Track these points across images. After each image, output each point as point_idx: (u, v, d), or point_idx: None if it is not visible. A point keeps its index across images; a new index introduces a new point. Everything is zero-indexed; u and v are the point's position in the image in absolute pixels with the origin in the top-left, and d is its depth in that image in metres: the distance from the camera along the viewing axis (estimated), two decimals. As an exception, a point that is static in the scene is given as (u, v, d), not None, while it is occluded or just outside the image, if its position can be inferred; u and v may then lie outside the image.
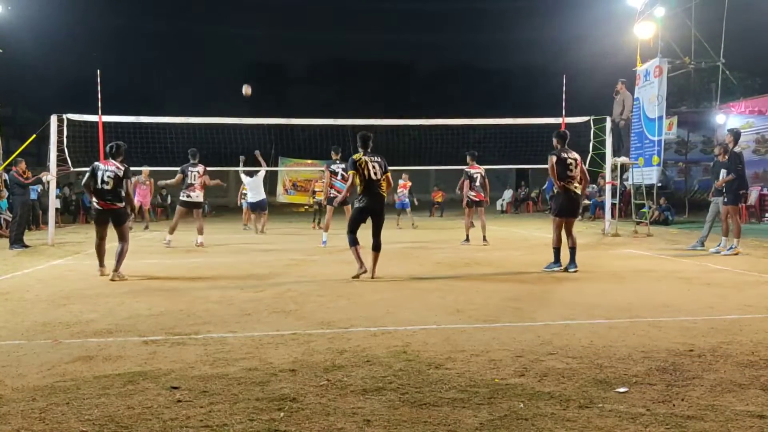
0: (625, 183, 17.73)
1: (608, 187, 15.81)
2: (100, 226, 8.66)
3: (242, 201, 17.53)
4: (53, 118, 13.40)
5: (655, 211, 17.92)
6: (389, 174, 8.33)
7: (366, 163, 8.07)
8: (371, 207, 8.14)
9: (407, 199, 18.70)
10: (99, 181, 8.31)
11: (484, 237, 12.88)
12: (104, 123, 13.67)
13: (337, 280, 8.13)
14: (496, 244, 12.74)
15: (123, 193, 8.40)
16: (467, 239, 12.96)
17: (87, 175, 8.45)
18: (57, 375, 4.09)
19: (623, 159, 16.17)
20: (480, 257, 10.62)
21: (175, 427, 3.20)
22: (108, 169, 8.38)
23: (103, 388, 3.81)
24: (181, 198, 12.96)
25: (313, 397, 3.61)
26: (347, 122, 16.00)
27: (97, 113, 13.64)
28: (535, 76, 35.85)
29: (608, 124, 15.33)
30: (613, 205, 15.69)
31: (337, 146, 12.51)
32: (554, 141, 9.17)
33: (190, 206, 12.96)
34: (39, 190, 17.89)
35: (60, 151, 13.51)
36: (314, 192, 18.41)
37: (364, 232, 8.19)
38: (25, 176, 12.98)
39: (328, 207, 12.61)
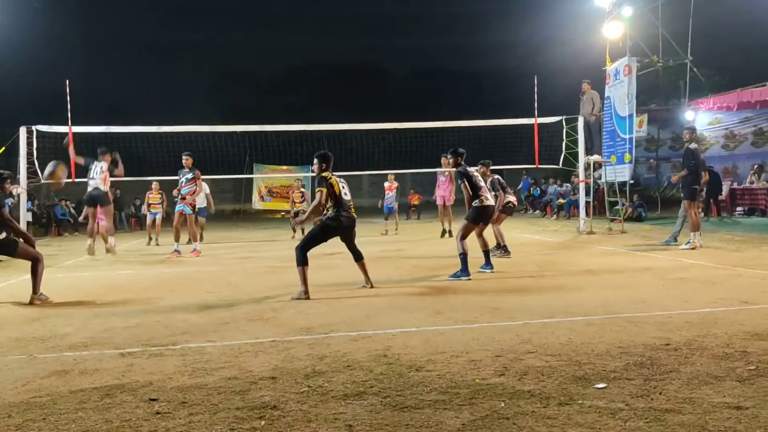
0: (598, 181, 17.92)
1: (582, 186, 15.98)
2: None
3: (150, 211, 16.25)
4: (22, 130, 13.19)
5: (629, 208, 18.15)
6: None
7: (337, 182, 7.63)
8: (344, 226, 7.60)
9: (395, 202, 17.79)
10: None
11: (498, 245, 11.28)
12: (75, 134, 13.47)
13: (317, 285, 8.09)
14: (471, 245, 12.78)
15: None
16: (506, 249, 11.04)
17: None
18: (32, 390, 4.01)
19: (596, 157, 16.34)
20: (457, 259, 10.64)
21: (155, 439, 3.16)
22: None
23: (80, 402, 3.75)
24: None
25: (294, 404, 3.59)
26: (321, 128, 15.99)
27: (66, 124, 13.43)
28: (508, 78, 36.09)
29: (580, 123, 15.50)
30: (587, 203, 15.85)
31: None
32: (455, 159, 9.12)
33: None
34: (10, 204, 17.57)
35: (30, 163, 13.29)
36: (294, 203, 17.76)
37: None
38: None
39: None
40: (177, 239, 12.73)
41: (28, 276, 7.74)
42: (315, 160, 7.75)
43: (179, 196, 12.71)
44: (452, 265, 8.76)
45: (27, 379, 4.26)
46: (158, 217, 15.68)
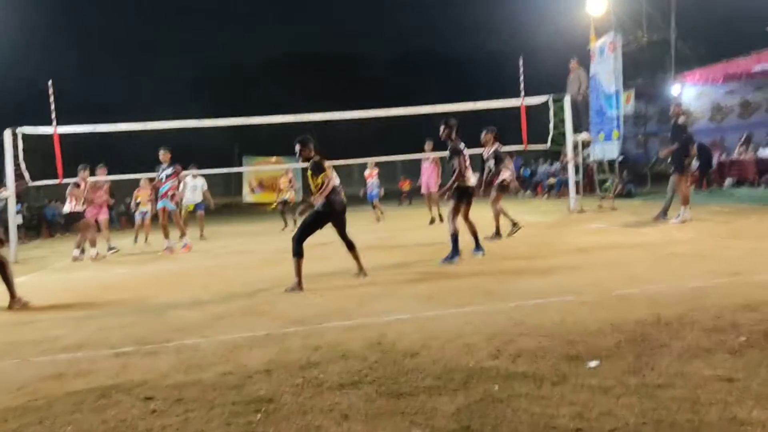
0: (587, 159, 17.95)
1: (571, 165, 16.00)
2: None
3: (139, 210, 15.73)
4: (7, 133, 13.08)
5: (618, 184, 18.20)
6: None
7: (331, 168, 7.57)
8: (337, 212, 7.52)
9: (377, 189, 17.82)
10: None
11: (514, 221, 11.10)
12: (61, 134, 13.38)
13: (310, 276, 8.09)
14: (463, 227, 12.79)
15: None
16: (515, 225, 11.01)
17: None
18: (28, 394, 4.01)
19: (584, 135, 16.36)
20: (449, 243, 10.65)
21: (152, 438, 3.17)
22: None
23: (76, 404, 3.76)
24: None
25: (290, 397, 3.60)
26: (308, 117, 15.91)
27: (51, 125, 13.34)
28: (493, 60, 36.01)
29: (567, 102, 15.49)
30: (577, 182, 15.88)
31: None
32: (448, 131, 8.64)
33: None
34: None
35: (16, 165, 13.20)
36: (280, 190, 17.69)
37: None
38: None
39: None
40: (166, 236, 12.68)
41: (21, 278, 7.72)
42: (298, 146, 7.59)
43: (160, 193, 12.66)
44: (445, 250, 8.77)
45: (22, 383, 4.25)
46: (147, 216, 15.54)
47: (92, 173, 13.48)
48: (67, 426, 3.41)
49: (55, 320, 6.44)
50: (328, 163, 7.61)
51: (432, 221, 15.21)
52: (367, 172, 17.53)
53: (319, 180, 7.41)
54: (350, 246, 7.79)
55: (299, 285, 7.16)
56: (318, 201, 7.49)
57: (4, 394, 4.06)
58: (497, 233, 10.80)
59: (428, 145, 15.01)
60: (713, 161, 18.88)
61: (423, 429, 3.02)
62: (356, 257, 7.81)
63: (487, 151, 11.07)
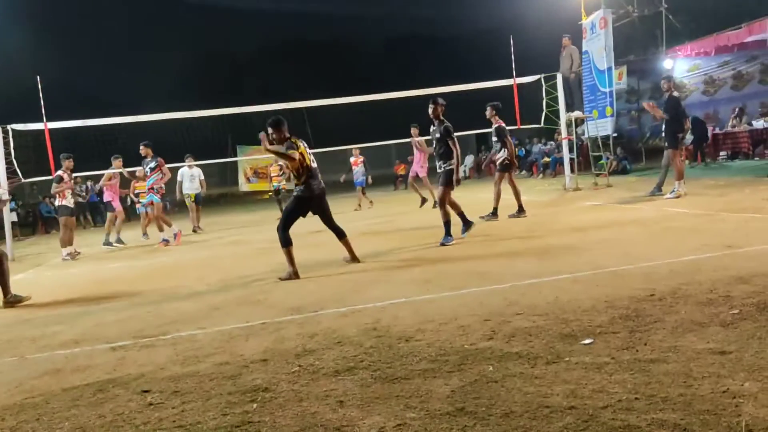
0: (581, 137, 17.92)
1: (565, 143, 15.99)
2: None
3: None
4: (-3, 130, 13.03)
5: (614, 161, 18.20)
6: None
7: (305, 148, 7.27)
8: (315, 196, 7.31)
9: (362, 177, 17.28)
10: None
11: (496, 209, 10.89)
12: (52, 130, 13.33)
13: (304, 264, 8.10)
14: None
15: None
16: (495, 213, 10.80)
17: None
18: (25, 392, 4.02)
19: (577, 113, 16.34)
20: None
21: (148, 430, 3.18)
22: None
23: (73, 399, 3.77)
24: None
25: (286, 385, 3.62)
26: (301, 105, 15.86)
27: (42, 121, 13.28)
28: (484, 40, 35.82)
29: (559, 81, 15.45)
30: (572, 159, 15.87)
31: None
32: (438, 109, 8.58)
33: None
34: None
35: (9, 163, 13.15)
36: (271, 178, 17.64)
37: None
38: None
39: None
40: (161, 229, 12.68)
41: (18, 276, 7.72)
42: (270, 129, 7.26)
43: (146, 188, 12.68)
44: (440, 234, 8.77)
45: (19, 381, 4.26)
46: (149, 209, 15.30)
47: (107, 166, 13.68)
48: (65, 422, 3.42)
49: (52, 316, 6.44)
50: (303, 146, 7.31)
51: (424, 201, 15.06)
52: (352, 159, 17.26)
53: (297, 163, 7.16)
54: (340, 235, 7.68)
55: (295, 274, 7.12)
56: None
57: (2, 392, 4.07)
58: (494, 212, 10.79)
59: (414, 130, 14.90)
60: (708, 134, 18.86)
61: (418, 412, 3.03)
62: (348, 246, 7.71)
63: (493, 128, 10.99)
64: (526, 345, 3.85)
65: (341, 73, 40.72)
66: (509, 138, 11.01)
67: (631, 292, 4.83)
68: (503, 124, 10.93)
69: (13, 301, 7.31)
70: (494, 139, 11.07)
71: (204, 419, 3.23)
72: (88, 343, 5.17)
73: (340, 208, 16.51)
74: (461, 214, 8.90)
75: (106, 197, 14.30)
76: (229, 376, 3.88)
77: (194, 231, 14.98)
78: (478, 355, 3.76)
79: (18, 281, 9.63)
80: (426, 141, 14.48)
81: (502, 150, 10.86)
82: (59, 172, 12.12)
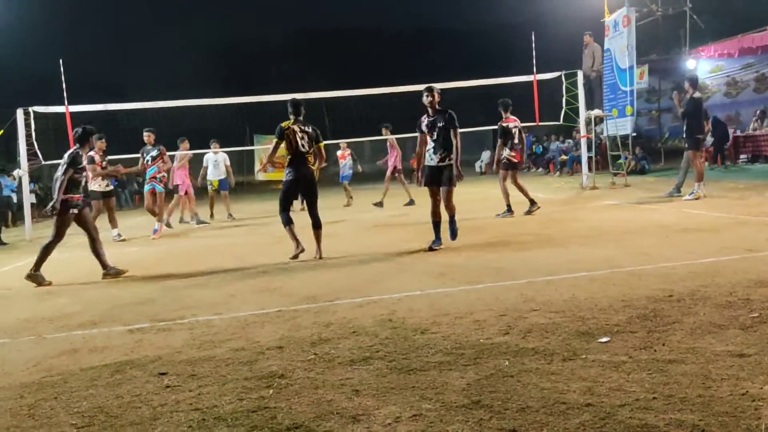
0: (600, 136, 17.79)
1: (584, 141, 15.88)
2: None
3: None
4: (19, 112, 13.15)
5: (632, 161, 18.06)
6: (322, 145, 7.86)
7: (295, 132, 7.59)
8: (299, 180, 7.65)
9: (349, 171, 16.38)
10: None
11: (509, 206, 10.78)
12: (72, 113, 13.43)
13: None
14: (475, 205, 12.78)
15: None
16: (510, 210, 10.73)
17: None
18: (43, 370, 4.07)
19: (597, 111, 16.22)
20: (461, 220, 10.62)
21: (165, 412, 3.21)
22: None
23: (91, 380, 3.81)
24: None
25: (302, 372, 3.63)
26: (320, 95, 15.88)
27: (63, 104, 13.39)
28: (505, 35, 35.59)
29: (580, 78, 15.34)
30: (590, 158, 15.77)
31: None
32: (436, 98, 7.83)
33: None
34: (14, 187, 17.65)
35: (29, 145, 13.28)
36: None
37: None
38: None
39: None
40: (160, 219, 12.27)
41: (36, 257, 7.76)
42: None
43: (147, 176, 12.16)
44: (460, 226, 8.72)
45: (38, 360, 4.32)
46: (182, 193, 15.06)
47: (126, 150, 13.72)
48: (83, 401, 3.46)
49: (71, 297, 6.52)
50: (298, 129, 7.66)
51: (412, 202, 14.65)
52: (339, 153, 16.53)
53: (284, 150, 7.73)
54: (316, 225, 7.83)
55: (298, 247, 7.67)
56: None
57: (21, 370, 4.13)
58: (508, 209, 10.72)
59: (386, 130, 14.79)
60: (728, 136, 18.65)
61: (433, 403, 3.03)
62: (318, 238, 7.83)
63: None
64: (542, 341, 3.84)
65: (361, 63, 40.60)
66: (519, 137, 10.90)
67: (649, 292, 4.79)
68: (509, 123, 10.74)
69: (113, 274, 7.52)
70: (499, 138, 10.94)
71: (220, 403, 3.26)
72: (105, 324, 5.22)
73: (367, 200, 16.55)
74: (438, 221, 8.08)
75: (177, 180, 13.91)
76: (245, 361, 3.91)
77: (210, 219, 14.83)
78: (494, 349, 3.76)
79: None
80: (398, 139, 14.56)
81: (505, 149, 10.80)
82: (91, 153, 11.27)
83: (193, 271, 7.60)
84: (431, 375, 3.42)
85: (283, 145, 7.68)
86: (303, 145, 7.61)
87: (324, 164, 8.10)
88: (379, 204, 14.71)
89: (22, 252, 11.18)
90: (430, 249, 7.63)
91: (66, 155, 7.70)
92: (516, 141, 10.77)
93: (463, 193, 12.98)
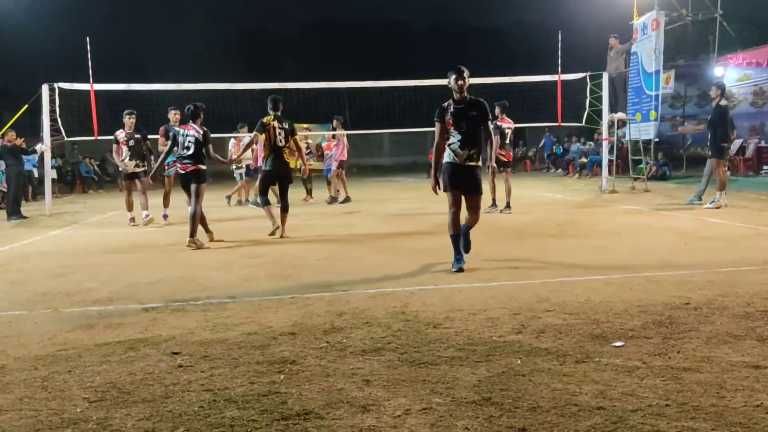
0: (622, 139, 17.62)
1: (605, 144, 15.75)
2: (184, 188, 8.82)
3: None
4: (44, 88, 13.26)
5: (653, 166, 17.88)
6: (297, 137, 8.82)
7: (274, 128, 8.43)
8: (275, 171, 8.63)
9: (334, 164, 14.78)
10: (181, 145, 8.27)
11: (509, 203, 11.23)
12: (96, 91, 13.54)
13: (335, 243, 8.16)
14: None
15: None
16: (495, 204, 11.23)
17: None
18: (58, 344, 4.12)
19: (620, 115, 16.06)
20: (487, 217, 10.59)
21: (177, 391, 3.23)
22: (189, 133, 8.25)
23: (105, 355, 3.85)
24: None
25: (313, 359, 3.65)
26: (341, 85, 15.86)
27: (88, 81, 13.49)
28: (531, 33, 35.34)
29: (605, 80, 15.20)
30: (610, 161, 15.63)
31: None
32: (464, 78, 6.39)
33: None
34: (36, 162, 17.84)
35: (53, 120, 13.39)
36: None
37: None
38: (11, 144, 12.96)
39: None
40: (166, 205, 11.54)
41: (55, 232, 7.89)
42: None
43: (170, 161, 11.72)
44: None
45: (53, 333, 4.37)
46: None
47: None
48: (96, 376, 3.49)
49: (87, 274, 6.57)
50: (277, 125, 8.49)
51: (335, 200, 14.42)
52: (324, 144, 15.75)
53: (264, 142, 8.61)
54: (284, 209, 8.77)
55: (275, 224, 8.67)
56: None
57: (36, 342, 4.18)
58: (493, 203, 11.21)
59: (337, 123, 14.36)
60: (750, 146, 18.39)
61: (444, 398, 3.03)
62: (282, 220, 8.71)
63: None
64: (555, 342, 3.82)
65: (383, 55, 40.49)
66: (510, 138, 11.45)
67: (666, 298, 4.75)
68: (504, 124, 11.29)
69: (199, 245, 8.05)
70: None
71: (231, 386, 3.28)
72: (121, 302, 5.27)
73: (384, 192, 16.58)
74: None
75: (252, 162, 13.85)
76: (257, 346, 3.93)
77: (235, 203, 14.66)
78: (506, 347, 3.75)
79: (55, 237, 9.86)
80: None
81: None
82: (119, 132, 11.02)
83: (208, 254, 7.65)
84: (442, 369, 3.42)
85: (263, 137, 8.52)
86: (280, 140, 8.48)
87: (305, 155, 9.17)
88: (334, 200, 14.40)
89: (41, 226, 11.30)
90: (458, 269, 6.11)
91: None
92: (507, 141, 11.37)
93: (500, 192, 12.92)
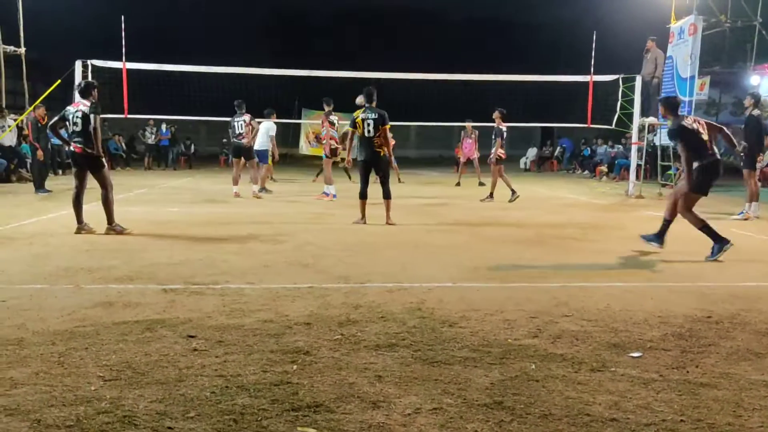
0: (651, 144, 17.37)
1: (634, 148, 15.55)
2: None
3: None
4: (78, 64, 13.39)
5: (682, 173, 17.60)
6: (387, 127, 8.90)
7: (362, 121, 8.78)
8: (366, 161, 8.90)
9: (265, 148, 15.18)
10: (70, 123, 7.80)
11: (492, 194, 13.09)
12: (128, 69, 13.67)
13: (356, 234, 8.15)
14: (517, 203, 12.63)
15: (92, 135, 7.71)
16: (492, 196, 13.04)
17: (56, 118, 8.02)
18: (77, 320, 4.17)
19: (652, 119, 15.82)
20: (500, 216, 10.55)
21: (190, 375, 3.25)
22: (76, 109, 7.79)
23: (122, 334, 3.89)
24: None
25: (327, 351, 3.65)
26: (370, 75, 15.81)
27: (121, 59, 13.62)
28: (564, 32, 34.96)
29: (638, 83, 14.97)
30: (638, 166, 15.43)
31: (328, 98, 13.12)
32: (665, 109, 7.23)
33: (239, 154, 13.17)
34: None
35: (85, 97, 13.52)
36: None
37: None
38: (43, 122, 13.16)
39: (325, 159, 13.01)
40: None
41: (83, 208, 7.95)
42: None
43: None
44: (494, 223, 8.65)
45: (72, 309, 4.42)
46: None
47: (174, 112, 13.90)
48: (112, 355, 3.53)
49: (109, 251, 6.65)
50: (364, 116, 8.86)
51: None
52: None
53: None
54: (385, 195, 8.99)
55: (361, 219, 8.94)
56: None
57: (55, 317, 4.23)
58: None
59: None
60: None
61: (455, 399, 3.01)
62: (386, 207, 8.98)
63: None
64: (571, 348, 3.78)
65: (414, 45, 40.30)
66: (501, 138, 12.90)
67: (687, 310, 4.68)
68: (503, 127, 12.98)
69: (118, 231, 7.79)
70: (493, 136, 13.04)
71: (244, 373, 3.29)
72: (141, 281, 5.32)
73: (411, 184, 16.51)
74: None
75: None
76: (272, 334, 3.94)
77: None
78: (521, 351, 3.72)
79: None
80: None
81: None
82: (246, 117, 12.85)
83: (228, 238, 7.68)
84: (455, 369, 3.40)
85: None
86: (368, 131, 8.79)
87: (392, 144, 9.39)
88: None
89: (66, 201, 11.41)
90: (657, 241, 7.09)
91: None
92: (503, 142, 13.05)
93: (504, 188, 12.86)
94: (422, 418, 2.81)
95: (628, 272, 6.09)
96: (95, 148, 7.78)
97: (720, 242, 6.75)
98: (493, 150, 12.91)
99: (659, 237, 7.20)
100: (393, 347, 3.73)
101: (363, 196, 8.93)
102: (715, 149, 6.99)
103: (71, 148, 7.91)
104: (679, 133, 6.92)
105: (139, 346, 3.68)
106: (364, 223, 8.83)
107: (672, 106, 7.22)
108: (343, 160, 16.88)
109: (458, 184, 17.29)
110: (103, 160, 8.10)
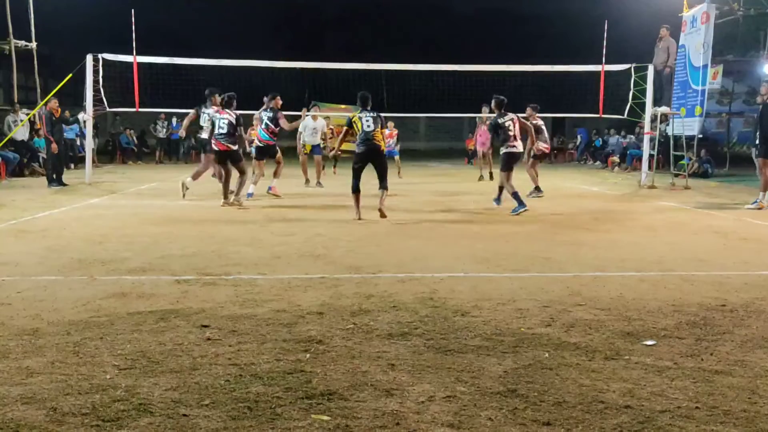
0: (664, 134, 17.23)
1: (647, 138, 15.44)
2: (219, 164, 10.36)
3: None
4: (89, 58, 13.45)
5: (695, 163, 17.48)
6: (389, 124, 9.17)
7: (360, 119, 8.80)
8: (366, 153, 8.78)
9: (396, 149, 16.39)
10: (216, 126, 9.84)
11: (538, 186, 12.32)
12: (139, 63, 13.71)
13: (367, 225, 8.16)
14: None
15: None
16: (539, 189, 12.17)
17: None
18: (92, 310, 4.20)
19: (664, 109, 15.70)
20: (512, 207, 10.50)
21: (204, 364, 3.27)
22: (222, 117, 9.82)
23: (136, 324, 3.91)
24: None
25: (339, 340, 3.66)
26: (381, 67, 15.80)
27: (132, 53, 13.66)
28: (575, 22, 34.65)
29: (650, 73, 14.86)
30: (651, 156, 15.31)
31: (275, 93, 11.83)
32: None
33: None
34: (78, 131, 18.19)
35: (96, 91, 13.59)
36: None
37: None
38: (57, 115, 13.23)
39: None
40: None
41: (93, 200, 8.05)
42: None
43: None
44: (505, 213, 8.64)
45: (87, 300, 4.46)
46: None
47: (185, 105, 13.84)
48: (127, 344, 3.56)
49: (123, 243, 6.69)
50: (361, 116, 8.79)
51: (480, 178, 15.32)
52: (387, 132, 16.08)
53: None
54: (382, 187, 8.74)
55: (356, 214, 8.70)
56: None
57: (70, 308, 4.27)
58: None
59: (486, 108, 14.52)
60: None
61: (468, 387, 3.02)
62: (381, 197, 8.69)
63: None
64: (585, 337, 3.77)
65: (425, 37, 40.19)
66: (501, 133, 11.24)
67: (701, 299, 4.65)
68: (538, 121, 12.22)
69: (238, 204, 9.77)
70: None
71: (258, 361, 3.31)
72: (154, 272, 5.35)
73: (417, 176, 16.52)
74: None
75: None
76: (285, 323, 3.96)
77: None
78: (534, 340, 3.71)
79: (93, 205, 10.05)
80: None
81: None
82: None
83: (240, 230, 7.71)
84: (468, 358, 3.40)
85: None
86: (368, 126, 8.74)
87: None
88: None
89: (81, 194, 11.53)
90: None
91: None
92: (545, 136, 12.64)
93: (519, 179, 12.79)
94: (436, 406, 2.81)
95: (642, 261, 6.05)
96: (240, 147, 10.11)
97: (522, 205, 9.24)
98: (538, 145, 11.70)
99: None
100: (405, 336, 3.74)
101: (356, 190, 8.76)
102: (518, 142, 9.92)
103: (214, 146, 9.97)
104: (494, 126, 10.00)
105: (154, 335, 3.71)
106: (359, 218, 8.52)
107: (500, 105, 9.87)
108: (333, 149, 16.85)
109: (481, 177, 15.92)
110: (241, 153, 10.17)
